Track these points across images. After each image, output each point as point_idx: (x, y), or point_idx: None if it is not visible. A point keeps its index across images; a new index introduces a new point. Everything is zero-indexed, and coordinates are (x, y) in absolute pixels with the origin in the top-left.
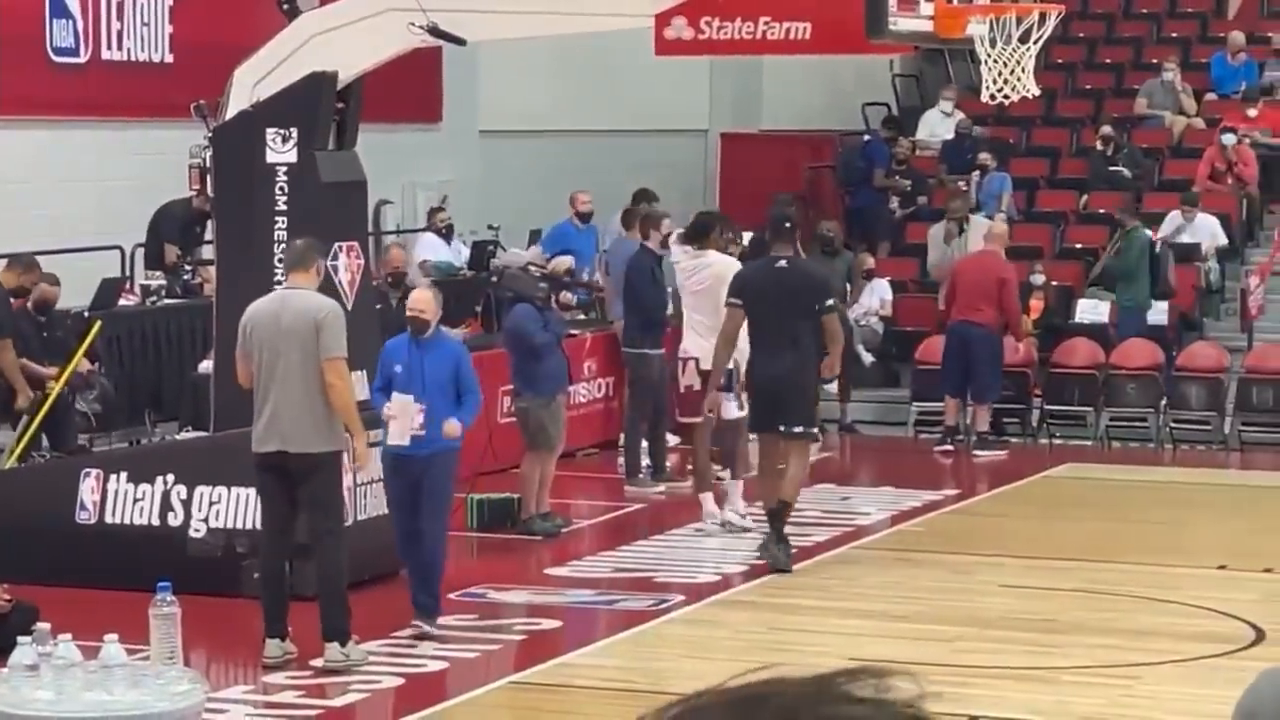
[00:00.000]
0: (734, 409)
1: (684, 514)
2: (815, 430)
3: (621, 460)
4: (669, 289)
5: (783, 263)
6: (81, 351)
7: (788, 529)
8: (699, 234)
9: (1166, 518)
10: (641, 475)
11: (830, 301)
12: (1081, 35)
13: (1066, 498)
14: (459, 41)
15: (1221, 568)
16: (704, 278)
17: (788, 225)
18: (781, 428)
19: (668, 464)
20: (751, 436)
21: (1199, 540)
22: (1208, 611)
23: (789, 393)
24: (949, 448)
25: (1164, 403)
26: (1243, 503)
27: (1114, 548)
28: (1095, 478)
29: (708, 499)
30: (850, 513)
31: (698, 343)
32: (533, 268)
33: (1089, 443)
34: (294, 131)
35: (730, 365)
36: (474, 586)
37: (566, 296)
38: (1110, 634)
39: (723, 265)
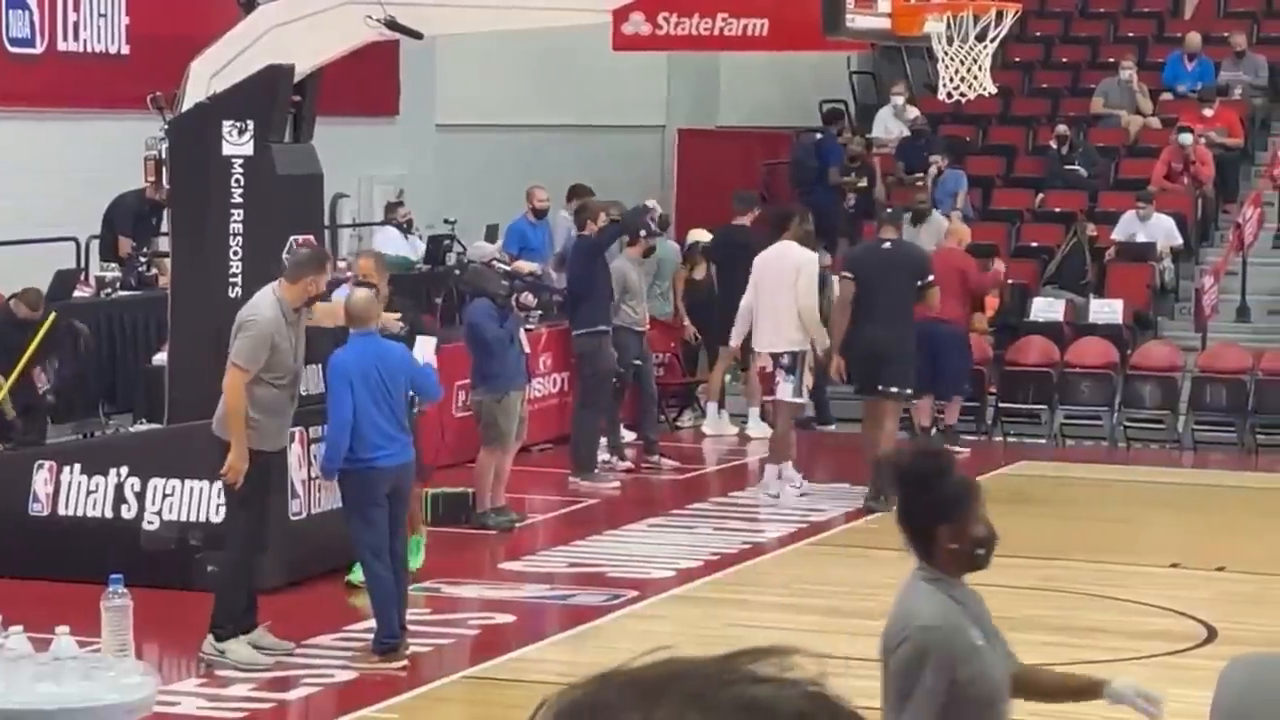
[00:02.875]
0: (789, 391)
1: (639, 509)
2: (909, 391)
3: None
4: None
5: (888, 244)
6: (36, 344)
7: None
8: (779, 225)
9: (1120, 516)
10: (596, 470)
11: (931, 278)
12: (1038, 34)
13: (1021, 495)
14: (416, 35)
15: (1174, 566)
16: (784, 267)
17: (890, 211)
18: (881, 388)
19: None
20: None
21: (1152, 538)
22: (1161, 609)
23: (891, 357)
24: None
25: (1118, 401)
26: (1196, 501)
27: (1068, 545)
28: (1049, 476)
29: (772, 470)
30: (806, 509)
31: (772, 333)
32: (496, 264)
33: (1043, 441)
34: (250, 124)
35: (798, 349)
36: (428, 580)
37: (528, 297)
38: (1063, 631)
39: (802, 255)
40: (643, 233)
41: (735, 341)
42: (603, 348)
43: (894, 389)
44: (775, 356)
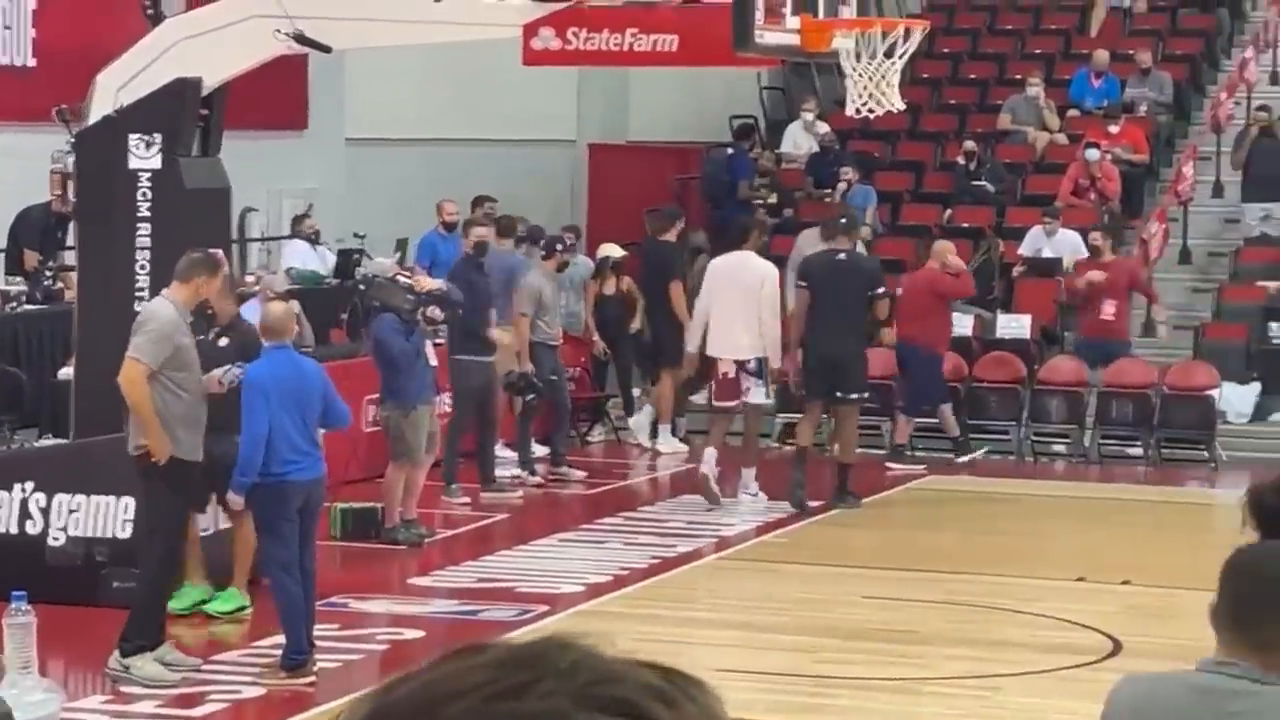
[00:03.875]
0: (761, 395)
1: (549, 524)
2: (866, 395)
3: (502, 473)
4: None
5: (842, 255)
6: None
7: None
8: (739, 236)
9: (1027, 529)
10: (454, 486)
11: (881, 290)
12: (947, 51)
13: (928, 509)
14: (325, 49)
15: (1080, 579)
16: (747, 278)
17: (844, 222)
18: (838, 394)
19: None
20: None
21: (1058, 552)
22: (1066, 623)
23: (846, 364)
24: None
25: (1025, 416)
26: (1102, 515)
27: (975, 559)
28: (957, 489)
29: (749, 473)
30: (716, 524)
31: (736, 339)
32: (401, 278)
33: (952, 455)
34: (157, 137)
35: (762, 355)
36: (336, 596)
37: (434, 311)
38: (970, 645)
39: (765, 267)
40: (559, 247)
41: (692, 346)
42: (472, 372)
43: (852, 395)
44: (741, 363)
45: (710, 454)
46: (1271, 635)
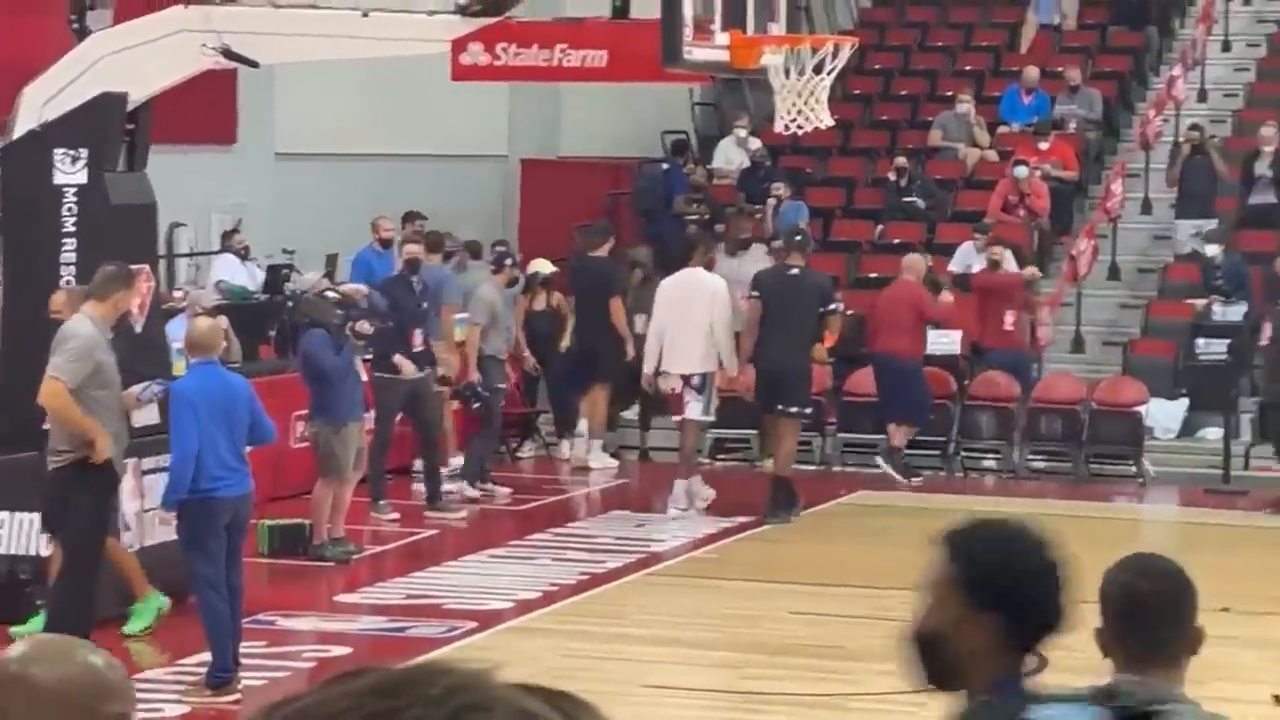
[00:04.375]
0: (698, 410)
1: (477, 540)
2: (808, 410)
3: (420, 485)
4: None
5: (796, 270)
6: None
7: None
8: (686, 253)
9: None
10: (383, 503)
11: (834, 305)
12: (878, 67)
13: (858, 524)
14: (252, 64)
15: None
16: (696, 294)
17: (799, 239)
18: (779, 407)
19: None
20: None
21: None
22: None
23: (789, 378)
24: (905, 478)
25: (955, 431)
26: None
27: (903, 574)
28: (886, 505)
29: (681, 486)
30: (646, 539)
31: (683, 355)
32: (330, 294)
33: (881, 470)
34: (83, 152)
35: (709, 370)
36: (263, 613)
37: (363, 325)
38: (898, 660)
39: (715, 282)
40: (508, 261)
41: (649, 367)
42: (394, 389)
43: (792, 409)
44: (686, 377)
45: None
46: (1161, 644)
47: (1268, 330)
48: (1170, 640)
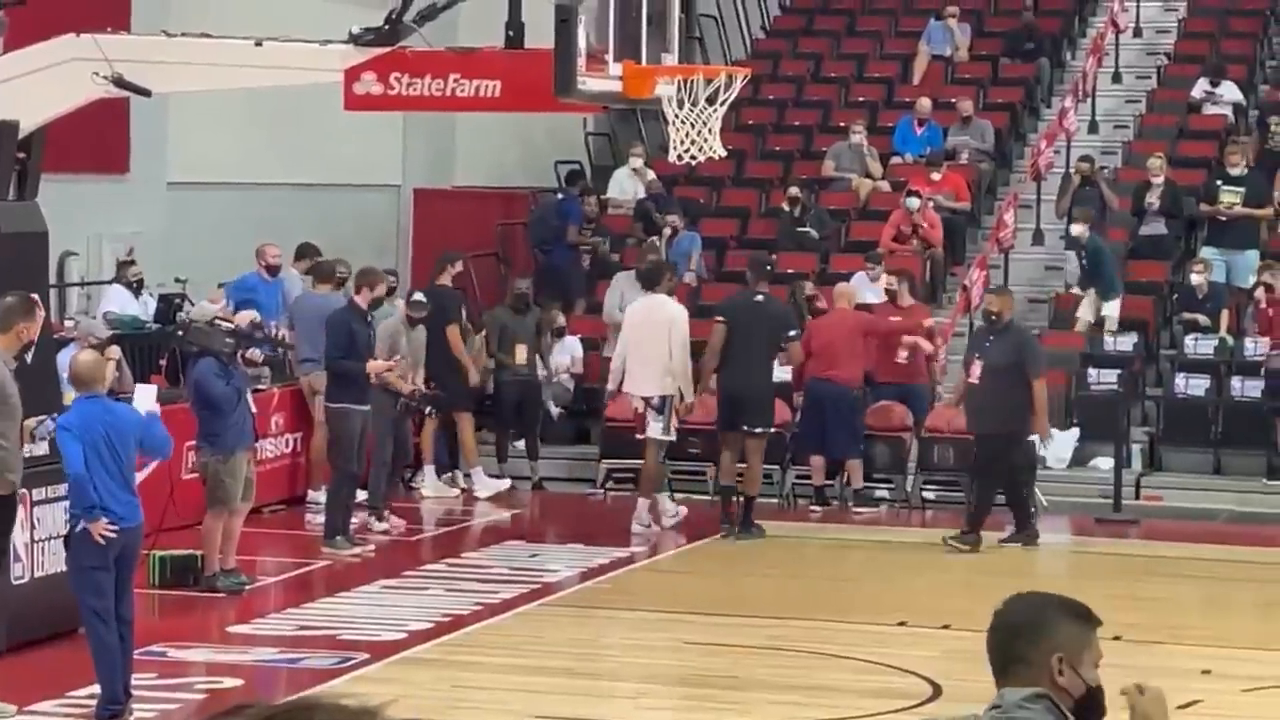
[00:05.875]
0: (659, 430)
1: (369, 572)
2: (771, 430)
3: (320, 519)
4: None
5: (760, 296)
6: None
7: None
8: (652, 280)
9: (848, 575)
10: (339, 538)
11: (794, 332)
12: (771, 98)
13: (751, 555)
14: (144, 93)
15: (902, 624)
16: (658, 319)
17: (768, 268)
18: (744, 427)
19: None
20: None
21: (880, 597)
22: (887, 668)
23: (753, 400)
24: (818, 509)
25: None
26: (923, 560)
27: (797, 605)
28: (780, 535)
29: (644, 504)
30: (539, 570)
31: (645, 377)
32: (220, 321)
33: (775, 500)
34: None
35: (669, 393)
36: (154, 644)
37: (254, 353)
38: (791, 690)
39: (677, 310)
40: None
41: (613, 385)
42: (351, 419)
43: (757, 429)
44: (647, 399)
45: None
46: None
47: (975, 370)
48: (1023, 664)
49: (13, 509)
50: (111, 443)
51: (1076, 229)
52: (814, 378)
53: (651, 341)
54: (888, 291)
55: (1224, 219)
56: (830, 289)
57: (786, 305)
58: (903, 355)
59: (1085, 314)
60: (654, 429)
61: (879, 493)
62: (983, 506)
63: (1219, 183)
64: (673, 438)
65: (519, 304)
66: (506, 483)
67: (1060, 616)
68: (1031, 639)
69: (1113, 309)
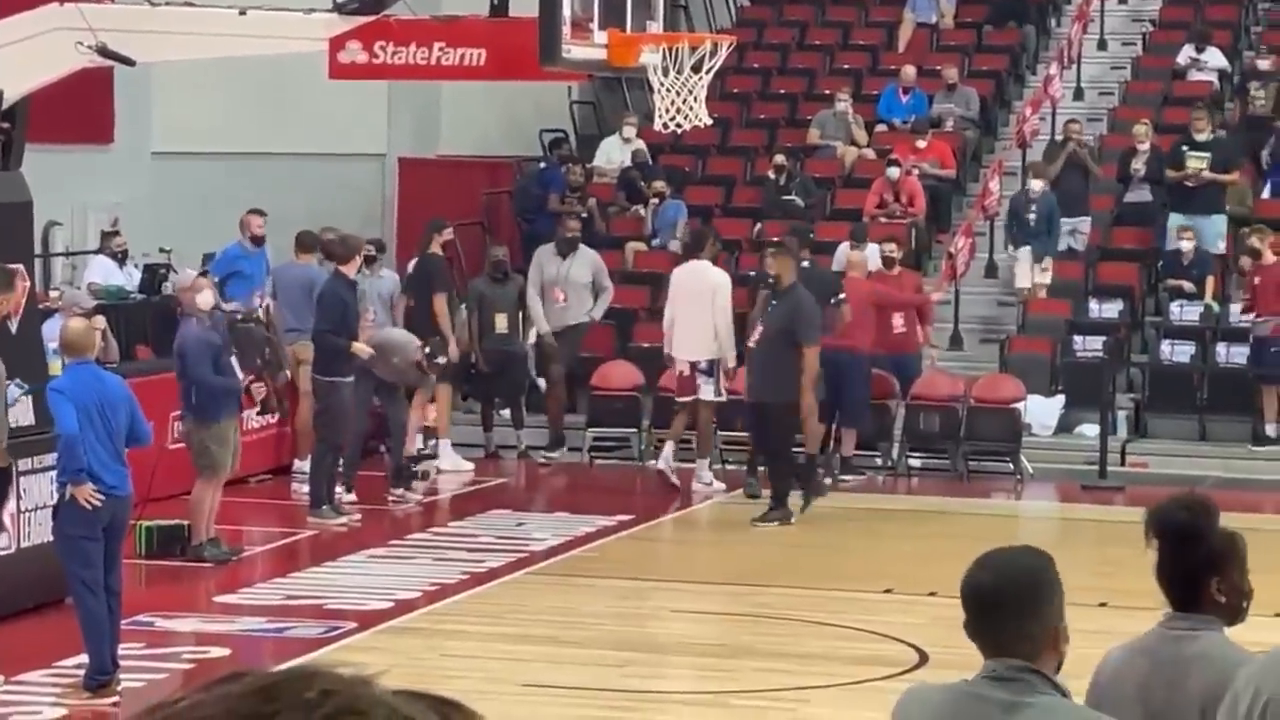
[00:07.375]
0: (711, 392)
1: (357, 541)
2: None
3: (305, 489)
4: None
5: (805, 263)
6: None
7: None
8: (697, 245)
9: (835, 543)
10: (325, 507)
11: (841, 296)
12: (756, 66)
13: (738, 523)
14: (128, 62)
15: (888, 591)
16: (701, 286)
17: (810, 235)
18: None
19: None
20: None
21: (867, 565)
22: (874, 635)
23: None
24: (848, 478)
25: (835, 429)
26: (909, 527)
27: (783, 572)
28: (765, 503)
29: (703, 463)
30: (524, 538)
31: (691, 341)
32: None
33: (762, 469)
34: None
35: (716, 356)
36: (142, 614)
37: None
38: (779, 658)
39: (719, 276)
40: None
41: (669, 349)
42: (339, 391)
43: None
44: (694, 363)
45: (668, 448)
46: (1011, 639)
47: (758, 332)
48: (1021, 635)
49: (8, 481)
50: (104, 411)
51: (1038, 185)
52: (829, 347)
53: (696, 307)
54: (885, 259)
55: (1190, 184)
56: (821, 259)
57: (830, 272)
58: (899, 325)
59: (1023, 279)
60: (706, 391)
61: (867, 460)
62: (780, 478)
63: (1185, 148)
64: (724, 398)
65: (496, 272)
66: (470, 467)
67: (1054, 580)
68: (1020, 616)
69: (1049, 269)
